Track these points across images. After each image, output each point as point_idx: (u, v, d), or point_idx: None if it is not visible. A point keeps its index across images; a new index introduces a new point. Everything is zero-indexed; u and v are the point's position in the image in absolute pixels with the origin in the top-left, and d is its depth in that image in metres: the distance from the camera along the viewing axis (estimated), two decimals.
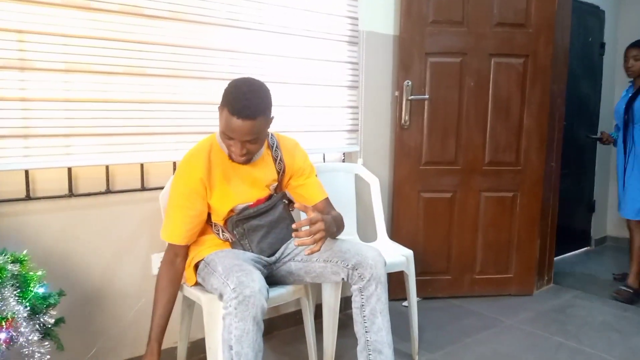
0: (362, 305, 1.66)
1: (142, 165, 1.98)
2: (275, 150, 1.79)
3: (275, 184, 1.80)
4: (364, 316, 1.67)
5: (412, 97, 2.72)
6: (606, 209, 4.42)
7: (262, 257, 1.76)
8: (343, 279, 1.69)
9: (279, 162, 1.79)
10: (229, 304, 1.42)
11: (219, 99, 2.11)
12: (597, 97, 4.15)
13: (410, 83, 2.71)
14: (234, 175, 1.69)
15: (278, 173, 1.79)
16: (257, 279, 1.45)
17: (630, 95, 3.07)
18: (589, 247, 4.26)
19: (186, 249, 1.73)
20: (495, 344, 2.38)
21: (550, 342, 2.40)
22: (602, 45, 4.09)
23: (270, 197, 1.78)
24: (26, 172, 1.73)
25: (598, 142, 3.56)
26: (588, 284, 3.25)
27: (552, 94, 2.90)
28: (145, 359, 1.65)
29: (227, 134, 1.58)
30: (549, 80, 2.84)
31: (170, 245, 1.70)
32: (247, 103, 1.52)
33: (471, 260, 2.92)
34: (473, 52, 2.75)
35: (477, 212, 2.88)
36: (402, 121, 2.74)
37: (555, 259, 3.30)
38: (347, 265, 1.66)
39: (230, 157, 1.68)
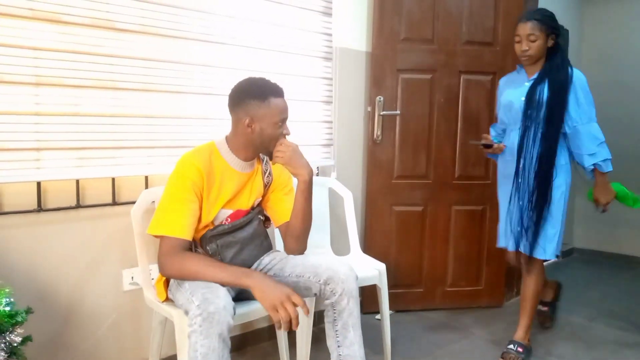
0: (335, 319, 1.67)
1: (113, 179, 1.96)
2: (266, 163, 1.82)
3: (260, 198, 1.81)
4: (336, 330, 1.67)
5: (384, 112, 2.77)
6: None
7: None
8: (315, 294, 1.70)
9: (267, 175, 1.82)
10: (193, 321, 1.40)
11: (192, 112, 2.14)
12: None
13: (382, 99, 2.76)
14: (227, 182, 1.69)
15: (265, 186, 1.81)
16: (222, 296, 1.44)
17: (531, 84, 2.25)
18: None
19: (190, 245, 1.63)
20: (466, 355, 2.41)
21: None
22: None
23: (249, 211, 1.78)
24: None
25: (483, 148, 2.41)
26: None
27: None
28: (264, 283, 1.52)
29: (283, 116, 1.68)
30: None
31: (171, 240, 1.56)
32: (277, 85, 1.69)
33: (442, 273, 2.97)
34: (443, 69, 2.82)
35: (447, 225, 2.93)
36: (375, 136, 2.78)
37: None
38: (319, 280, 1.67)
39: (270, 150, 1.70)
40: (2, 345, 1.36)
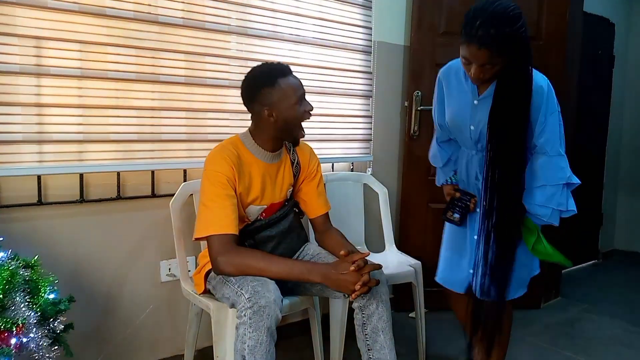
0: (364, 323, 1.65)
1: (153, 172, 1.98)
2: (293, 153, 1.81)
3: (292, 188, 1.80)
4: (366, 334, 1.65)
5: (421, 107, 2.72)
6: (614, 222, 4.39)
7: None
8: (344, 295, 1.68)
9: (295, 165, 1.80)
10: (243, 314, 1.41)
11: (231, 106, 2.14)
12: (607, 110, 4.14)
13: (420, 93, 2.71)
14: (255, 175, 1.67)
15: (294, 176, 1.80)
16: (272, 290, 1.45)
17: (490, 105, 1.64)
18: (596, 260, 4.23)
19: (238, 239, 1.59)
20: None
21: (559, 356, 2.37)
22: (612, 58, 4.08)
23: (283, 204, 1.78)
24: (39, 177, 1.74)
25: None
26: (596, 298, 3.22)
27: (562, 106, 2.88)
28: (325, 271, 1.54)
29: (298, 94, 1.62)
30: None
31: (221, 238, 1.53)
32: (281, 64, 1.66)
33: None
34: None
35: None
36: (412, 131, 2.74)
37: (563, 272, 3.28)
38: None
39: (298, 134, 1.68)
40: (47, 331, 1.40)
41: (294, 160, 1.80)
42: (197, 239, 1.59)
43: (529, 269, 1.82)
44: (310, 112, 1.67)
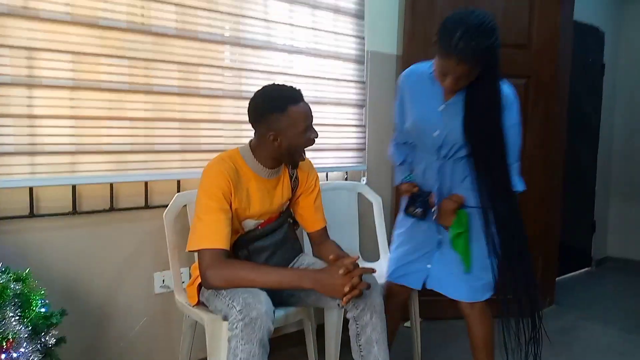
0: (358, 334, 1.64)
1: (146, 183, 1.97)
2: (292, 168, 1.80)
3: (288, 202, 1.80)
4: (360, 345, 1.64)
5: None
6: (607, 229, 4.42)
7: None
8: (338, 304, 1.67)
9: (294, 180, 1.79)
10: (234, 326, 1.40)
11: (225, 116, 2.14)
12: (597, 117, 4.18)
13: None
14: (253, 190, 1.66)
15: (292, 189, 1.79)
16: (263, 301, 1.44)
17: (462, 111, 1.66)
18: (589, 268, 4.25)
19: (229, 254, 1.57)
20: None
21: None
22: (602, 66, 4.13)
23: (279, 215, 1.77)
24: (30, 189, 1.72)
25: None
26: (590, 306, 3.23)
27: (553, 115, 2.91)
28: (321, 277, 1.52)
29: (307, 123, 1.62)
30: (551, 100, 2.86)
31: (212, 252, 1.51)
32: (293, 89, 1.63)
33: None
34: None
35: None
36: None
37: (557, 279, 3.28)
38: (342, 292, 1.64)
39: (298, 159, 1.68)
40: (38, 346, 1.37)
41: (293, 174, 1.79)
42: (190, 251, 1.58)
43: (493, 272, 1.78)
44: (315, 139, 1.67)
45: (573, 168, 3.76)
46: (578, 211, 4.08)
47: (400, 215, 1.94)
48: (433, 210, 1.80)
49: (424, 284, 1.90)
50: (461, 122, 1.65)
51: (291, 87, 1.64)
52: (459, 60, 1.50)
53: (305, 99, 1.64)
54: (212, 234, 1.52)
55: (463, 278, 1.81)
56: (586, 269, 4.22)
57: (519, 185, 1.72)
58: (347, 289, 1.48)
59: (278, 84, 1.65)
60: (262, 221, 1.71)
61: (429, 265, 1.86)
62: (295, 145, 1.62)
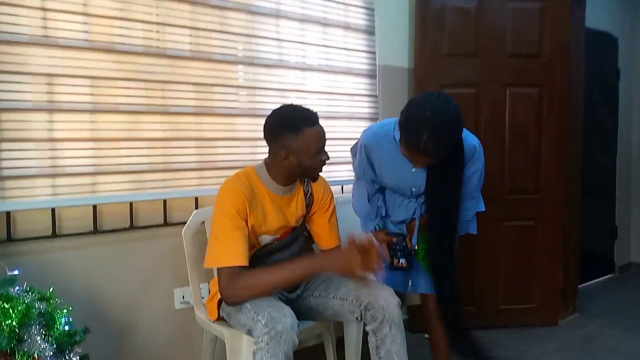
0: (377, 346, 1.65)
1: (165, 201, 2.01)
2: (307, 185, 1.81)
3: (302, 219, 1.82)
4: (380, 357, 1.65)
5: None
6: (629, 234, 4.33)
7: (284, 292, 1.76)
8: (357, 318, 1.68)
9: (309, 197, 1.81)
10: (260, 339, 1.41)
11: (240, 134, 2.18)
12: (615, 122, 4.13)
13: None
14: (268, 207, 1.69)
15: (307, 207, 1.81)
16: (288, 315, 1.45)
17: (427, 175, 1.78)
18: (612, 275, 4.17)
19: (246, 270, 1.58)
20: None
21: None
22: (617, 71, 4.09)
23: (293, 229, 1.79)
24: (52, 210, 1.77)
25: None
26: (615, 313, 3.17)
27: (569, 121, 2.89)
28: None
29: (320, 146, 1.64)
30: (566, 108, 2.84)
31: (230, 269, 1.52)
32: (310, 111, 1.64)
33: (494, 290, 2.88)
34: (488, 83, 2.77)
35: (498, 241, 2.84)
36: None
37: (579, 287, 3.23)
38: (360, 306, 1.66)
39: (314, 177, 1.71)
40: None
41: (308, 191, 1.81)
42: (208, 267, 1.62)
43: None
44: (327, 161, 1.69)
45: (592, 174, 3.72)
46: (599, 217, 4.02)
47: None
48: (414, 254, 1.91)
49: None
50: (425, 184, 1.80)
51: (308, 109, 1.65)
52: (428, 157, 1.59)
53: (318, 114, 1.67)
54: (229, 252, 1.54)
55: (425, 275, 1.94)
56: (609, 275, 4.14)
57: (480, 207, 1.96)
58: (359, 269, 1.51)
59: (295, 105, 1.68)
60: (279, 236, 1.73)
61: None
62: (307, 166, 1.64)
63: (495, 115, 2.80)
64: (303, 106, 1.66)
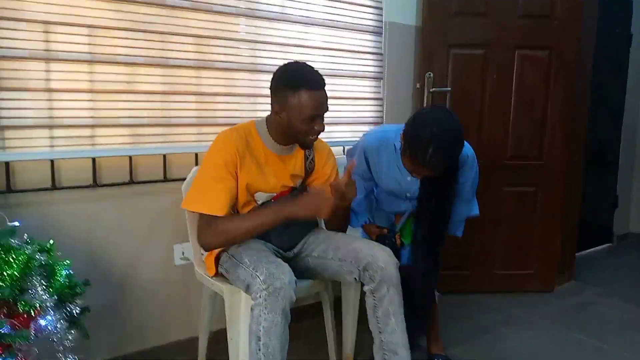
0: (375, 306, 1.66)
1: (164, 156, 1.98)
2: (310, 149, 1.78)
3: (300, 181, 1.79)
4: (377, 317, 1.66)
5: (433, 89, 2.68)
6: (629, 204, 4.34)
7: (281, 250, 1.76)
8: (355, 278, 1.69)
9: (309, 162, 1.78)
10: (258, 295, 1.42)
11: (241, 90, 2.13)
12: (623, 90, 4.06)
13: (432, 75, 2.68)
14: (265, 164, 1.67)
15: (306, 172, 1.78)
16: (287, 272, 1.46)
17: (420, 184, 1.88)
18: (610, 244, 4.19)
19: None
20: (515, 340, 2.36)
21: (571, 340, 2.37)
22: (630, 37, 3.99)
23: (292, 190, 1.77)
24: (52, 162, 1.75)
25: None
26: (610, 282, 3.20)
27: (576, 88, 2.84)
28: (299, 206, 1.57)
29: (314, 113, 1.57)
30: (574, 73, 2.78)
31: (207, 217, 1.57)
32: (317, 75, 1.59)
33: (491, 255, 2.89)
34: (497, 44, 2.71)
35: (498, 206, 2.84)
36: None
37: (577, 255, 3.25)
38: (359, 266, 1.66)
39: (304, 143, 1.68)
40: (64, 315, 1.41)
41: (309, 156, 1.78)
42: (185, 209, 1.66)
43: None
44: (320, 131, 1.64)
45: (595, 142, 3.68)
46: (600, 186, 4.01)
47: None
48: (401, 247, 1.98)
49: None
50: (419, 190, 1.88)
51: (316, 72, 1.60)
52: (431, 171, 1.66)
53: (321, 71, 1.62)
54: (210, 200, 1.57)
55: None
56: (607, 244, 4.17)
57: (474, 211, 2.05)
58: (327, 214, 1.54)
59: (306, 65, 1.64)
60: (275, 194, 1.71)
61: None
62: (297, 129, 1.60)
63: (503, 78, 2.74)
64: (313, 69, 1.61)
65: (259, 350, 1.42)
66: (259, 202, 1.70)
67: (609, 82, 3.89)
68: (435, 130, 1.58)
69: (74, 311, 1.44)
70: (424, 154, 1.59)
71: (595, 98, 3.37)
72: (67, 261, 1.46)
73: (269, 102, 1.64)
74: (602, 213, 4.12)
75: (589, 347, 2.30)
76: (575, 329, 2.48)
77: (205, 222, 1.58)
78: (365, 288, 1.67)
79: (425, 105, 2.68)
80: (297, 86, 1.55)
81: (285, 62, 1.66)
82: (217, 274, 1.75)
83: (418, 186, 1.89)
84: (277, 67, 1.64)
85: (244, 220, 1.60)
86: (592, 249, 3.97)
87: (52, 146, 1.74)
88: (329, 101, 1.64)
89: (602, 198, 4.09)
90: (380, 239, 1.97)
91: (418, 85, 2.72)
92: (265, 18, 2.18)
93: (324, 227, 1.92)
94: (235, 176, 1.61)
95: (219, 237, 1.58)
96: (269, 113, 1.69)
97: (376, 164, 1.92)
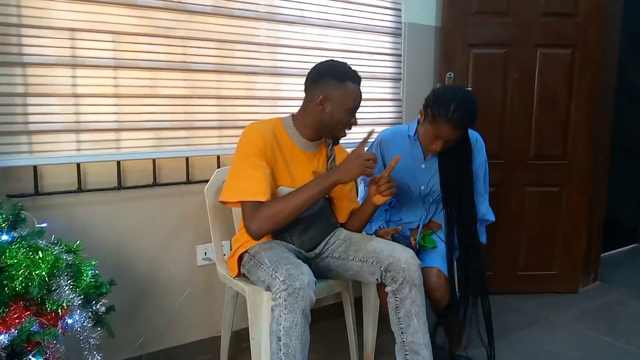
0: (397, 307, 1.66)
1: (187, 159, 2.02)
2: (331, 149, 1.81)
3: None
4: (399, 318, 1.66)
5: None
6: None
7: (302, 251, 1.77)
8: (377, 279, 1.69)
9: (331, 162, 1.81)
10: (278, 296, 1.43)
11: (261, 92, 2.16)
12: None
13: (452, 75, 2.66)
14: (290, 159, 1.71)
15: (328, 170, 1.79)
16: (306, 272, 1.46)
17: (439, 173, 1.98)
18: (636, 244, 4.10)
19: None
20: (539, 341, 2.32)
21: (597, 342, 2.32)
22: None
23: None
24: (78, 165, 1.79)
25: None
26: (636, 283, 3.12)
27: (601, 86, 2.79)
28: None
29: (355, 104, 1.69)
30: (598, 72, 2.74)
31: (252, 204, 1.56)
32: (356, 72, 1.72)
33: (514, 256, 2.86)
34: (518, 43, 2.68)
35: (521, 207, 2.81)
36: None
37: (602, 255, 3.19)
38: (380, 267, 1.66)
39: (337, 137, 1.73)
40: (89, 314, 1.45)
41: (331, 156, 1.81)
42: (222, 202, 1.65)
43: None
44: (353, 125, 1.72)
45: (621, 140, 3.60)
46: (625, 185, 3.93)
47: None
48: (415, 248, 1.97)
49: None
50: (439, 174, 1.97)
51: (355, 70, 1.71)
52: (453, 128, 1.78)
53: None
54: (252, 187, 1.57)
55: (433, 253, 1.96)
56: (633, 245, 4.08)
57: (489, 215, 2.07)
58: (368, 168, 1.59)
59: (344, 64, 1.72)
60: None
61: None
62: (337, 119, 1.66)
63: (524, 78, 2.71)
64: (350, 66, 1.72)
65: (280, 350, 1.43)
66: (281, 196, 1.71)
67: (634, 78, 3.80)
68: (457, 91, 1.81)
69: (99, 310, 1.48)
70: (446, 111, 1.75)
71: (620, 95, 3.31)
72: (93, 262, 1.49)
73: (288, 103, 1.67)
74: (628, 212, 4.03)
75: (615, 348, 2.26)
76: (600, 330, 2.44)
77: (251, 209, 1.56)
78: (387, 289, 1.67)
79: None
80: (344, 78, 1.65)
81: (310, 64, 1.74)
82: (239, 274, 1.77)
83: (432, 179, 1.98)
84: (316, 65, 1.72)
85: (290, 198, 1.58)
86: (618, 250, 3.89)
87: (78, 150, 1.79)
88: None
89: (628, 197, 4.00)
90: (396, 240, 1.96)
91: (438, 85, 2.71)
92: (284, 22, 2.20)
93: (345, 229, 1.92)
94: (268, 164, 1.63)
95: (267, 221, 1.56)
96: (293, 112, 1.74)
97: (391, 154, 1.96)
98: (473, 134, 1.99)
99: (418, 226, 2.07)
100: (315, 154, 1.76)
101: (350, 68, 1.70)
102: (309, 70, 1.71)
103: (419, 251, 1.99)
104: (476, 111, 1.81)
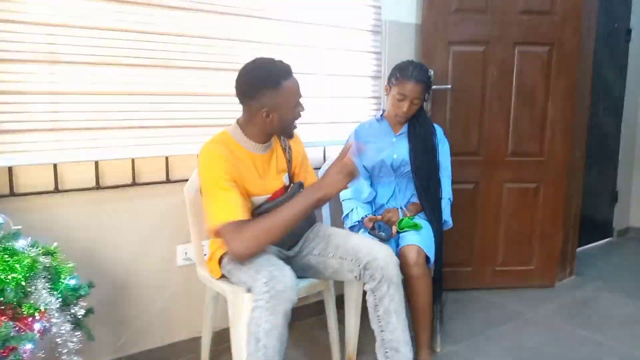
0: (376, 305, 1.67)
1: (166, 158, 1.99)
2: (283, 139, 1.80)
3: (286, 173, 1.79)
4: (378, 315, 1.67)
5: (434, 86, 2.68)
6: (629, 199, 4.34)
7: (282, 250, 1.77)
8: (356, 277, 1.69)
9: (287, 151, 1.80)
10: (260, 297, 1.42)
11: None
12: (622, 84, 4.06)
13: (432, 72, 2.67)
14: (253, 167, 1.67)
15: (288, 161, 1.79)
16: (288, 275, 1.46)
17: (408, 143, 2.20)
18: (611, 238, 4.20)
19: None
20: (517, 336, 2.37)
21: (573, 335, 2.38)
22: (629, 31, 3.99)
23: (286, 188, 1.78)
24: (54, 165, 1.75)
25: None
26: (611, 276, 3.21)
27: (577, 83, 2.84)
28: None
29: (297, 97, 1.64)
30: (575, 69, 2.78)
31: (230, 225, 1.49)
32: (282, 63, 1.63)
33: (493, 251, 2.90)
34: (497, 41, 2.71)
35: (499, 203, 2.85)
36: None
37: (577, 250, 3.26)
38: (359, 265, 1.67)
39: (291, 131, 1.69)
40: (68, 316, 1.42)
41: (285, 145, 1.80)
42: (211, 231, 1.56)
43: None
44: (302, 112, 1.67)
45: (596, 137, 3.68)
46: (600, 181, 4.01)
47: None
48: (392, 235, 2.03)
49: None
50: (408, 147, 2.19)
51: (280, 60, 1.62)
52: (416, 82, 2.08)
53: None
54: (228, 208, 1.51)
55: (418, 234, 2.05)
56: (608, 239, 4.18)
57: (451, 196, 2.29)
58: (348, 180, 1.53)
59: (267, 58, 1.63)
60: (270, 195, 1.72)
61: None
62: (287, 120, 1.63)
63: (503, 75, 2.74)
64: (274, 59, 1.62)
65: (258, 351, 1.43)
66: (256, 205, 1.70)
67: (609, 77, 3.88)
68: (411, 60, 2.20)
69: (78, 313, 1.45)
70: (407, 71, 2.09)
71: (596, 93, 3.37)
72: (71, 264, 1.46)
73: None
74: (603, 208, 4.12)
75: (591, 341, 2.31)
76: (577, 323, 2.49)
77: (232, 230, 1.49)
78: (366, 287, 1.68)
79: (425, 104, 2.68)
80: (277, 80, 1.56)
81: (290, 61, 1.66)
82: (221, 276, 1.76)
83: (401, 149, 2.19)
84: (242, 73, 1.63)
85: (276, 217, 1.52)
86: (592, 244, 3.98)
87: (55, 149, 1.75)
88: (329, 100, 1.66)
89: (603, 193, 4.09)
90: (377, 227, 2.00)
91: None
92: (265, 18, 2.18)
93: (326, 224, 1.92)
94: (235, 181, 1.58)
95: (253, 241, 1.50)
96: (237, 118, 1.71)
97: (365, 136, 2.24)
98: (437, 128, 2.28)
99: (393, 228, 2.05)
100: (272, 153, 1.74)
101: (275, 64, 1.59)
102: (237, 78, 1.62)
103: (402, 234, 2.07)
104: (428, 72, 2.16)
